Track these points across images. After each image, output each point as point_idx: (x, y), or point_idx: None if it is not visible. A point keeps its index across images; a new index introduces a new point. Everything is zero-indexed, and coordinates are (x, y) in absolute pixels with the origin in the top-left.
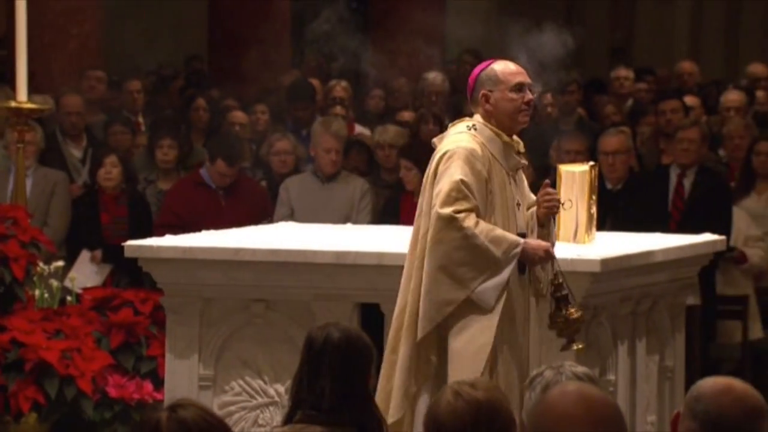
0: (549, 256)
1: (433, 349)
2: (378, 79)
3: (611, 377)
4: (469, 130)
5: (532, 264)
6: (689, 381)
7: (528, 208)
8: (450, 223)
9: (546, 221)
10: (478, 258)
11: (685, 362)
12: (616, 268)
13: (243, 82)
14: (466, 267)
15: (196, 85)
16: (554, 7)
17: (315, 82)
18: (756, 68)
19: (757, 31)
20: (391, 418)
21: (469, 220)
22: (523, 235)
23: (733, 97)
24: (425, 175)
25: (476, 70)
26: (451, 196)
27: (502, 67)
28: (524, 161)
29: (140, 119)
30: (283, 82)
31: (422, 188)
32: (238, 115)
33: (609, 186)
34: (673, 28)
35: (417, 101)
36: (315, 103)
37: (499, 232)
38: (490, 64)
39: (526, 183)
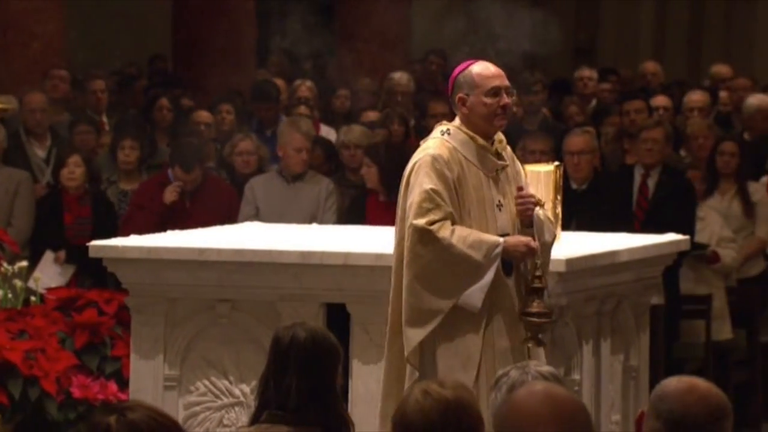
0: (531, 249)
1: (415, 357)
2: (343, 79)
3: (576, 377)
4: (442, 135)
5: (517, 261)
6: (653, 380)
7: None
8: (425, 235)
9: (529, 222)
10: (459, 266)
11: (650, 362)
12: (581, 267)
13: (207, 82)
14: (447, 277)
15: (159, 85)
16: (518, 8)
17: (280, 82)
18: (720, 69)
19: (720, 32)
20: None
21: (444, 230)
22: (505, 236)
23: (696, 97)
24: (401, 183)
25: (455, 72)
26: (423, 207)
27: (478, 69)
28: (503, 162)
29: (104, 119)
30: (248, 82)
31: (399, 196)
32: (203, 115)
33: (574, 186)
34: (637, 29)
35: (383, 101)
36: (279, 103)
37: (476, 236)
38: (468, 66)
39: (522, 179)
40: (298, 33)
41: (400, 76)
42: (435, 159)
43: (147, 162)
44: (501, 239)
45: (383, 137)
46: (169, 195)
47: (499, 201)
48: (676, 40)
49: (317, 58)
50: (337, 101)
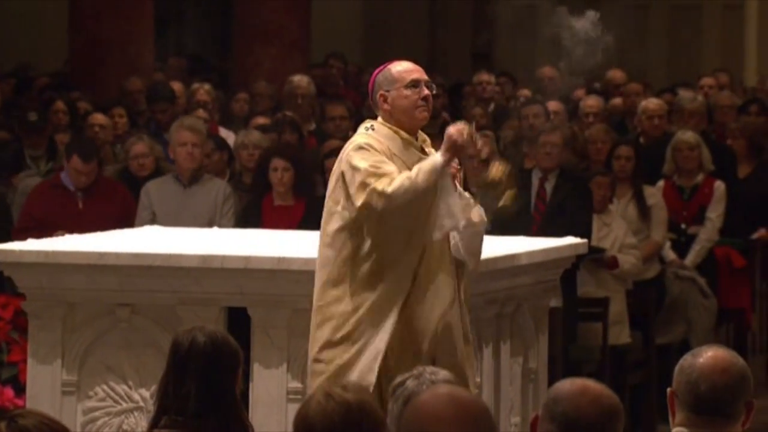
0: (460, 135)
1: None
2: (242, 82)
3: (476, 379)
4: (367, 131)
5: (460, 151)
6: (551, 382)
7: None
8: (372, 198)
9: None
10: (417, 192)
11: (548, 364)
12: (481, 271)
13: (105, 85)
14: (415, 207)
15: (55, 87)
16: (417, 13)
17: (177, 85)
18: (614, 74)
19: (615, 36)
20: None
21: (383, 181)
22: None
23: (591, 102)
24: (330, 178)
25: (374, 74)
26: (367, 183)
27: (397, 66)
28: (428, 156)
29: None
30: (144, 85)
31: (328, 188)
32: (98, 117)
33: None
34: (533, 34)
35: (283, 104)
36: (174, 105)
37: (415, 169)
38: (386, 66)
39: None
40: (197, 36)
41: (299, 79)
42: (361, 144)
43: (50, 165)
44: (435, 155)
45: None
46: None
47: None
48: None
49: (216, 61)
50: (236, 105)
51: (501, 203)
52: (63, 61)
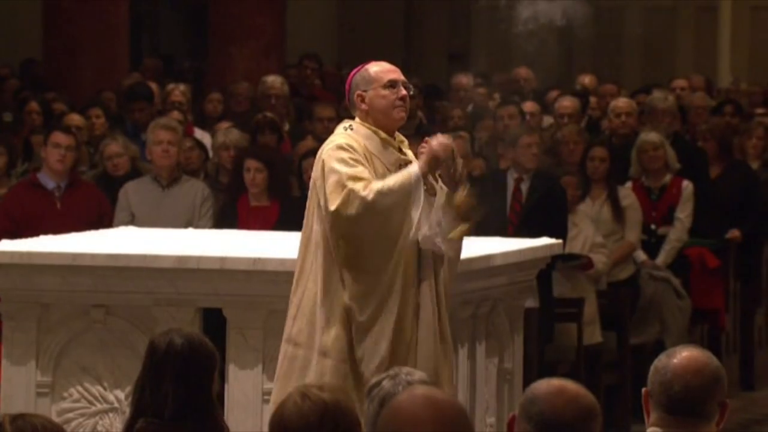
0: (447, 149)
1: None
2: (216, 82)
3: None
4: (346, 130)
5: (439, 166)
6: (527, 383)
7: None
8: (349, 198)
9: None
10: (395, 199)
11: (523, 364)
12: (456, 271)
13: (80, 85)
14: (394, 215)
15: (29, 88)
16: (392, 14)
17: (153, 85)
18: (584, 80)
19: (590, 38)
20: None
21: (360, 183)
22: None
23: (566, 103)
24: (312, 178)
25: (351, 74)
26: (345, 185)
27: (374, 67)
28: (406, 157)
29: None
30: (121, 85)
31: (310, 190)
32: (75, 118)
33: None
34: (508, 35)
35: (257, 105)
36: (153, 104)
37: (391, 177)
38: (364, 66)
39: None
40: (172, 37)
41: (273, 80)
42: (342, 146)
43: (25, 166)
44: (413, 167)
45: (251, 141)
46: None
47: None
48: (548, 45)
49: (191, 62)
50: (209, 105)
51: (449, 235)
52: (24, 59)
